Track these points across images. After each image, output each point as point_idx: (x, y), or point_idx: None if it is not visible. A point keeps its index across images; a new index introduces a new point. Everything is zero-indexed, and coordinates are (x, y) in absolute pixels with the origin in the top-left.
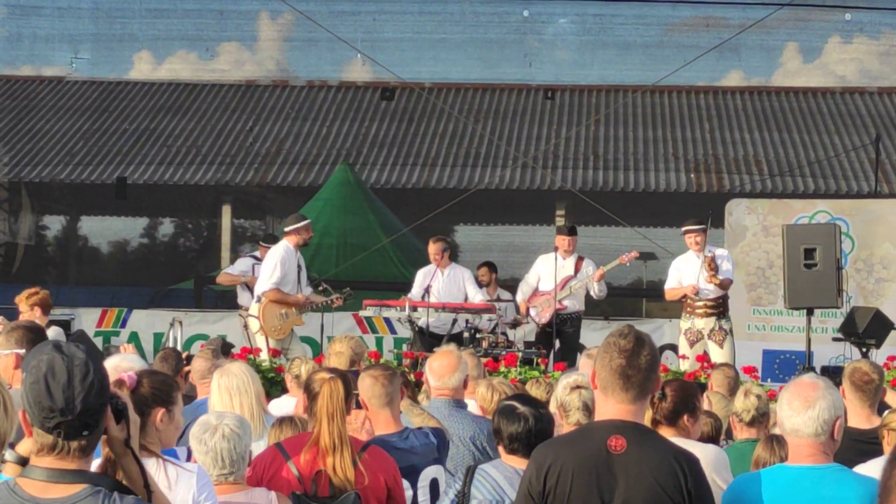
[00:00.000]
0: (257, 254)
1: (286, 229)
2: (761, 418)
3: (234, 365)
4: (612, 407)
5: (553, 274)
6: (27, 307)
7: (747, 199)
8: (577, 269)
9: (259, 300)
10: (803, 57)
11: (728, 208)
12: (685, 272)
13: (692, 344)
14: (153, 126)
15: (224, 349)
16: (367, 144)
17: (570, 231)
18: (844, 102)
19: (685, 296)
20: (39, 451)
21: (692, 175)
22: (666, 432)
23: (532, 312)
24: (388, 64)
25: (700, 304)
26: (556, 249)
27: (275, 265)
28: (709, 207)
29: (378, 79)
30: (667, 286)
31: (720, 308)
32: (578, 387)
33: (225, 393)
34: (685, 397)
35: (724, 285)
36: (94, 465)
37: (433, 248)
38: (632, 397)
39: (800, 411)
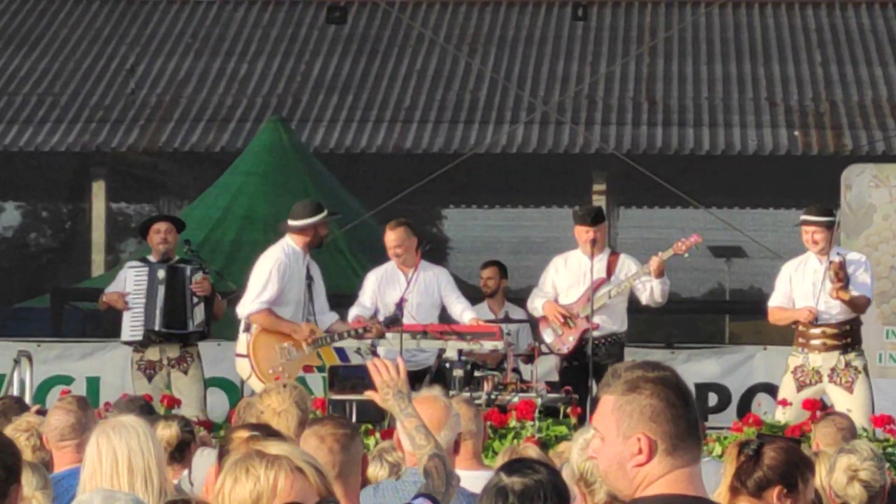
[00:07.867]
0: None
1: (290, 223)
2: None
3: (124, 419)
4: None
5: (577, 280)
6: None
7: (874, 165)
8: (609, 271)
9: (248, 329)
10: None
11: (845, 178)
12: (800, 285)
13: (802, 387)
14: None
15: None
16: (308, 90)
17: (595, 218)
18: None
19: (797, 321)
20: None
21: (795, 131)
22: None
23: (548, 338)
24: None
25: (817, 332)
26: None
27: (267, 275)
28: (820, 176)
29: None
30: (771, 303)
31: (847, 337)
32: None
33: (106, 463)
34: (789, 465)
35: (858, 305)
36: None
37: (395, 237)
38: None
39: None
